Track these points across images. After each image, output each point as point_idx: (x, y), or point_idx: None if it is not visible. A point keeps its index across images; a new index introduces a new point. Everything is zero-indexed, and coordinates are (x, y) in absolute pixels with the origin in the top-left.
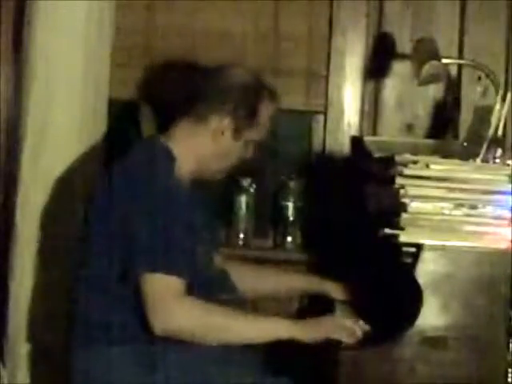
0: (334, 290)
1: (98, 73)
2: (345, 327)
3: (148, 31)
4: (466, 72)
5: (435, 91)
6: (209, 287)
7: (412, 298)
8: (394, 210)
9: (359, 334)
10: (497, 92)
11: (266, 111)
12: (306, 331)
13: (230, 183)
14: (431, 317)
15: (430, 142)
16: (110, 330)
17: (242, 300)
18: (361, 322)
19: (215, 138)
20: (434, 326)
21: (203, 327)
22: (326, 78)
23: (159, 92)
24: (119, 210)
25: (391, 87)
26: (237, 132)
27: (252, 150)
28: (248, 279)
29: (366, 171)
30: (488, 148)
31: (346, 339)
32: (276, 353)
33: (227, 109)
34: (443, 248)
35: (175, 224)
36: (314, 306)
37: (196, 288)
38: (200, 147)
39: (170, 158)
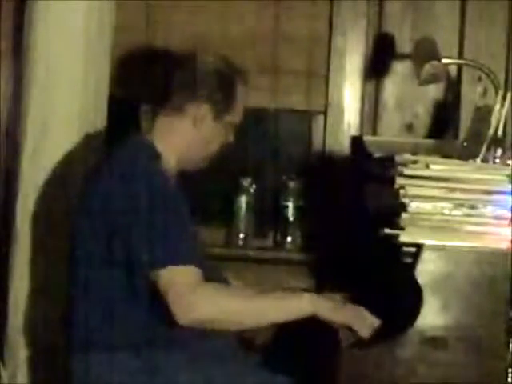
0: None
1: (98, 72)
2: (365, 319)
3: (148, 31)
4: (466, 72)
5: (435, 91)
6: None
7: (412, 297)
8: (394, 210)
9: (374, 326)
10: (497, 92)
11: (240, 93)
12: (330, 310)
13: (230, 183)
14: (431, 317)
15: (430, 142)
16: (111, 334)
17: None
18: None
19: (196, 126)
20: (434, 325)
21: (228, 313)
22: (326, 77)
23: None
24: (112, 212)
25: (391, 87)
26: (217, 116)
27: (232, 134)
28: None
29: (366, 171)
30: (488, 148)
31: (362, 332)
32: (276, 352)
33: (203, 95)
34: (443, 248)
35: (172, 217)
36: None
37: None
38: (182, 137)
39: (154, 155)
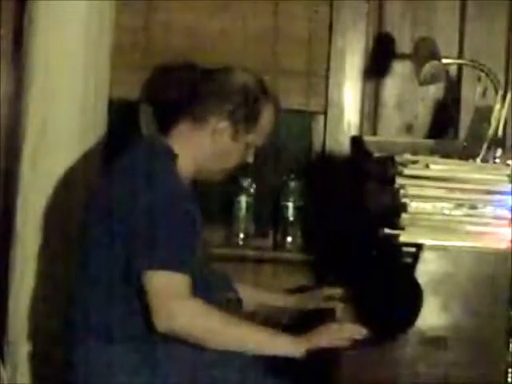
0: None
1: (98, 73)
2: (343, 334)
3: (148, 31)
4: (466, 72)
5: (435, 91)
6: (208, 285)
7: (412, 298)
8: (393, 210)
9: (359, 335)
10: (497, 92)
11: (266, 115)
12: (304, 348)
13: (229, 183)
14: (431, 317)
15: (430, 142)
16: (111, 328)
17: (240, 300)
18: (357, 327)
19: (213, 139)
20: (434, 326)
21: (204, 331)
22: (326, 78)
23: (159, 92)
24: (120, 208)
25: (391, 87)
26: (235, 134)
27: (253, 155)
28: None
29: (366, 171)
30: (488, 148)
31: (342, 344)
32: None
33: (226, 110)
34: (443, 248)
35: (177, 221)
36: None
37: (196, 285)
38: (199, 147)
39: (170, 155)
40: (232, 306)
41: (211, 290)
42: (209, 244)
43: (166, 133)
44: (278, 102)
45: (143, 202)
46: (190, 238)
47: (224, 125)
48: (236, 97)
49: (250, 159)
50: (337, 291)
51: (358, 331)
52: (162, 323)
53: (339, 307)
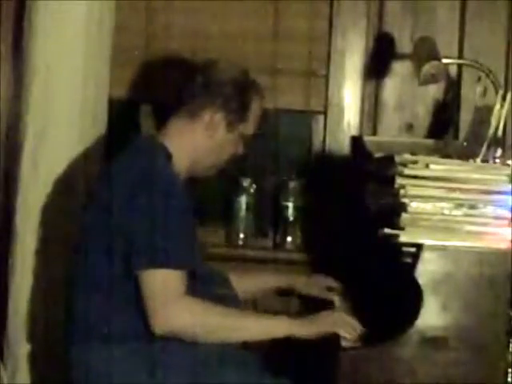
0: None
1: (98, 73)
2: (344, 322)
3: (148, 31)
4: (466, 72)
5: (435, 91)
6: (204, 282)
7: (412, 297)
8: (393, 210)
9: (358, 330)
10: (497, 92)
11: (256, 105)
12: (306, 328)
13: (229, 183)
14: (431, 317)
15: (430, 142)
16: (110, 328)
17: (237, 297)
18: (355, 322)
19: (209, 133)
20: (434, 326)
21: (203, 327)
22: (326, 78)
23: (159, 92)
24: (118, 208)
25: (391, 87)
26: (230, 125)
27: (243, 146)
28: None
29: (366, 171)
30: (488, 148)
31: (345, 334)
32: (276, 353)
33: (219, 103)
34: (443, 248)
35: (174, 219)
36: (315, 304)
37: (193, 282)
38: (194, 143)
39: (166, 154)
40: (228, 302)
41: (208, 286)
42: (205, 242)
43: (160, 132)
44: (262, 90)
45: (138, 202)
46: (186, 235)
47: (219, 117)
48: (227, 88)
49: (241, 150)
50: (337, 285)
51: (356, 326)
52: (159, 325)
53: (337, 299)
